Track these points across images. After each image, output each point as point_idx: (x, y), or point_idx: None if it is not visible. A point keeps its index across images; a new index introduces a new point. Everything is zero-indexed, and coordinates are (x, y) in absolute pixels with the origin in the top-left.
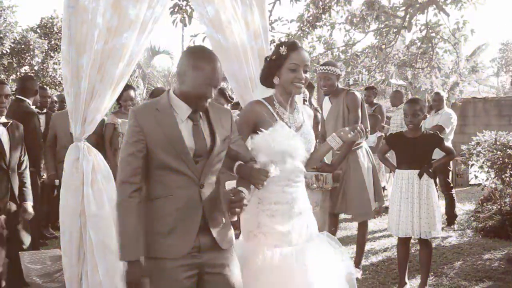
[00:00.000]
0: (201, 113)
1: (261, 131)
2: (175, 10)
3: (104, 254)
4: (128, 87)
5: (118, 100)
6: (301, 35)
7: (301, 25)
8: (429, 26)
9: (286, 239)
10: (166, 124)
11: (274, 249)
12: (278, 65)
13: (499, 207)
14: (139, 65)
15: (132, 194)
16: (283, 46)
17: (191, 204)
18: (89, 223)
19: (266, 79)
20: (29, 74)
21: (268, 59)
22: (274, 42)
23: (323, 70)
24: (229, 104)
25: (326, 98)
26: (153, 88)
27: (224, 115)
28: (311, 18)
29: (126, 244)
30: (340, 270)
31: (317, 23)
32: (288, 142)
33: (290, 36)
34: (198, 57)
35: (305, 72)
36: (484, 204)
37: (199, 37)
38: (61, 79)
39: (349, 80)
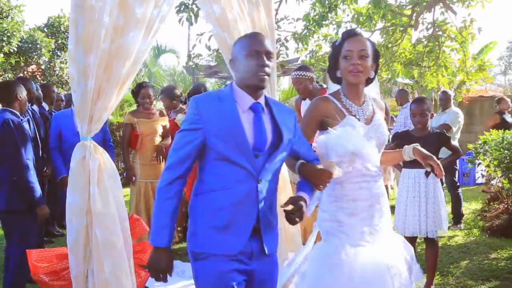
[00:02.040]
0: (264, 106)
1: (327, 129)
2: (182, 9)
3: (110, 252)
4: (145, 84)
5: (135, 98)
6: (307, 34)
7: (307, 23)
8: (436, 25)
9: (368, 238)
10: (227, 114)
11: (357, 249)
12: (336, 57)
13: (506, 206)
14: (145, 64)
15: (173, 181)
16: (339, 38)
17: (248, 200)
18: (95, 222)
19: (331, 75)
20: (36, 73)
21: (330, 49)
22: (280, 41)
23: (295, 75)
24: None
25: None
26: (159, 87)
27: (288, 115)
28: (317, 16)
29: (155, 230)
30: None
31: (323, 22)
32: (360, 145)
33: (296, 35)
34: (242, 38)
35: (361, 58)
36: (491, 203)
37: (206, 36)
38: (68, 78)
39: None
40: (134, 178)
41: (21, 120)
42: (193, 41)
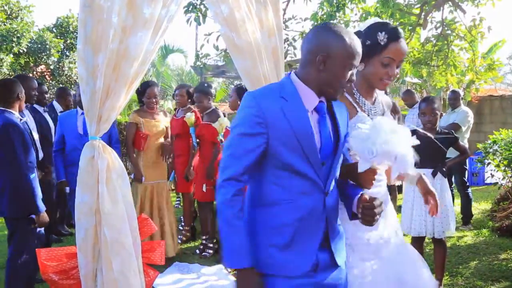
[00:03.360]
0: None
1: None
2: (190, 9)
3: (118, 251)
4: (152, 83)
5: (140, 97)
6: None
7: (315, 23)
8: (444, 24)
9: (373, 250)
10: (295, 116)
11: (363, 264)
12: (371, 53)
13: None
14: (153, 63)
15: (238, 193)
16: (383, 33)
17: (314, 214)
18: (104, 221)
19: None
20: (45, 73)
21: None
22: (288, 40)
23: None
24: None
25: None
26: (167, 87)
27: (342, 108)
28: (325, 16)
29: (235, 249)
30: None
31: (331, 21)
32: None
33: (304, 35)
34: (348, 43)
35: (398, 67)
36: (501, 203)
37: (213, 36)
38: (77, 78)
39: None
40: (143, 178)
41: (20, 120)
42: (201, 41)
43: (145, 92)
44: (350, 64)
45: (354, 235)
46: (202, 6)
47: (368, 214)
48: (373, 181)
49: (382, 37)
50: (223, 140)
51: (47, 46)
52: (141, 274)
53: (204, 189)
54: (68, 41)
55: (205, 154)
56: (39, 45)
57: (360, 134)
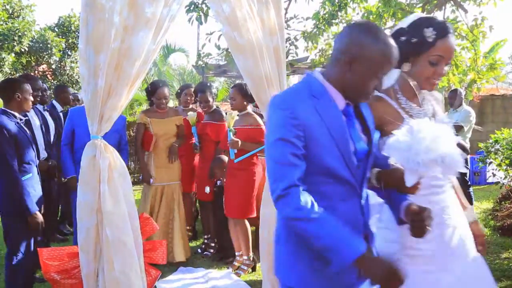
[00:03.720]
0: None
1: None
2: (191, 8)
3: (120, 251)
4: (162, 83)
5: (150, 97)
6: (317, 32)
7: (317, 22)
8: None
9: (439, 263)
10: (329, 114)
11: (426, 275)
12: (417, 52)
13: None
14: (155, 63)
15: (302, 192)
16: (430, 29)
17: (354, 221)
18: (105, 220)
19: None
20: (46, 72)
21: (404, 36)
22: (289, 40)
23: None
24: (251, 104)
25: None
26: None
27: (367, 108)
28: (327, 15)
29: (336, 243)
30: None
31: (333, 21)
32: (453, 148)
33: (306, 34)
34: (383, 50)
35: (447, 64)
36: (502, 202)
37: (215, 35)
38: (78, 78)
39: None
40: (152, 180)
41: (20, 120)
42: (203, 40)
43: (155, 92)
44: (379, 71)
45: (414, 246)
46: (203, 5)
47: (418, 227)
48: (419, 186)
49: (429, 33)
50: (234, 132)
51: (49, 46)
52: (143, 274)
53: (207, 191)
54: (70, 41)
55: (207, 154)
56: (41, 45)
57: (399, 143)
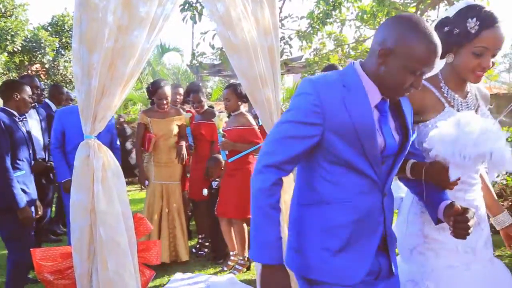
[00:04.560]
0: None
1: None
2: (186, 7)
3: (114, 251)
4: (163, 83)
5: (151, 97)
6: (311, 32)
7: (311, 22)
8: None
9: (463, 259)
10: (358, 109)
11: (449, 271)
12: (460, 43)
13: (510, 203)
14: (149, 62)
15: (277, 182)
16: (474, 19)
17: (372, 216)
18: (99, 220)
19: None
20: (39, 72)
21: (447, 27)
22: (284, 39)
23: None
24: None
25: None
26: None
27: (406, 102)
28: (321, 14)
29: (266, 241)
30: None
31: (327, 20)
32: (502, 145)
33: (300, 33)
34: (422, 43)
35: (494, 56)
36: None
37: (209, 34)
38: (72, 77)
39: None
40: (147, 182)
41: (19, 119)
42: (197, 39)
43: (156, 92)
44: (416, 68)
45: (438, 240)
46: (198, 5)
47: (461, 228)
48: (458, 182)
49: (473, 24)
50: (224, 133)
51: (42, 45)
52: (137, 274)
53: (205, 193)
54: (64, 40)
55: (201, 154)
56: (34, 44)
57: (444, 135)
